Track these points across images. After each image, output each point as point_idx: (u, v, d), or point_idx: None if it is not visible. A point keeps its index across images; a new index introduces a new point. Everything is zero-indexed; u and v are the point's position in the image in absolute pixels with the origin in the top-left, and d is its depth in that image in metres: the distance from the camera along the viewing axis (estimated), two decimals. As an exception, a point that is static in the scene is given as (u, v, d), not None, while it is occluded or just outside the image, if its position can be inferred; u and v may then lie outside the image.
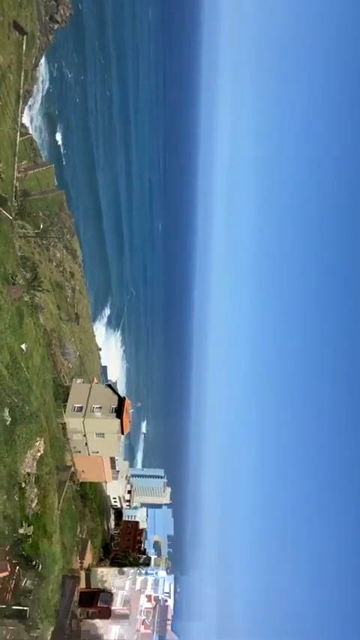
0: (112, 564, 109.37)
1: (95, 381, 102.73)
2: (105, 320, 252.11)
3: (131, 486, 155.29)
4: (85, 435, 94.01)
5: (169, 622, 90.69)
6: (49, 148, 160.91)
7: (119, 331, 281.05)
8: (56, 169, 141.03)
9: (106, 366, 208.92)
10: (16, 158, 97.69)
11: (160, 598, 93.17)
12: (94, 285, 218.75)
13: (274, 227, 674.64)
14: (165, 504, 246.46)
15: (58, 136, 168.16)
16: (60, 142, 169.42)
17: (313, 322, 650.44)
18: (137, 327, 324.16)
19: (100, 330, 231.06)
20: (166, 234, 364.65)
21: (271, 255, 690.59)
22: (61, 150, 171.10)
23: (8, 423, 66.52)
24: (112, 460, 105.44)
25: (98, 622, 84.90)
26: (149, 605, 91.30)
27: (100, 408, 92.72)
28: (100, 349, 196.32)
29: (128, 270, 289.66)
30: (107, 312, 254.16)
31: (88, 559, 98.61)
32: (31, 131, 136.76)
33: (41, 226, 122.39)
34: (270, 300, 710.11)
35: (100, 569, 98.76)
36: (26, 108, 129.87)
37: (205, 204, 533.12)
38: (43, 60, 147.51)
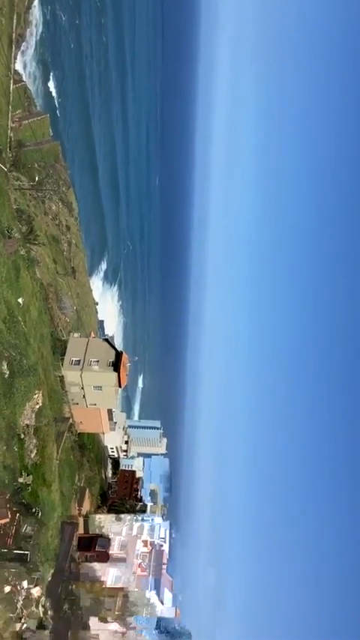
0: (110, 511, 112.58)
1: (92, 335, 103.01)
2: (101, 274, 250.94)
3: (128, 437, 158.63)
4: (82, 388, 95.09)
5: (164, 565, 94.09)
6: (43, 96, 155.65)
7: (116, 286, 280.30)
8: (51, 119, 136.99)
9: (103, 321, 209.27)
10: (10, 107, 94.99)
11: (155, 543, 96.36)
12: (90, 238, 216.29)
13: (275, 177, 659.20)
14: (161, 454, 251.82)
15: (52, 84, 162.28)
16: (54, 91, 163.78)
17: (315, 269, 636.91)
18: (134, 281, 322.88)
19: (96, 284, 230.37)
20: (164, 188, 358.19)
21: (272, 205, 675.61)
22: (55, 99, 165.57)
23: (7, 376, 67.14)
24: (110, 412, 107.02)
25: (96, 565, 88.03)
26: (145, 549, 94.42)
27: (98, 361, 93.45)
28: (97, 304, 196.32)
29: (125, 224, 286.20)
30: (104, 266, 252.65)
31: (87, 506, 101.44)
32: (24, 78, 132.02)
33: (37, 178, 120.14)
34: (270, 252, 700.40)
35: (97, 516, 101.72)
36: (19, 53, 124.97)
37: (203, 155, 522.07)
38: (36, 2, 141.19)
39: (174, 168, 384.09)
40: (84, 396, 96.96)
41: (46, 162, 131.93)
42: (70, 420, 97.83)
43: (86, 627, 78.85)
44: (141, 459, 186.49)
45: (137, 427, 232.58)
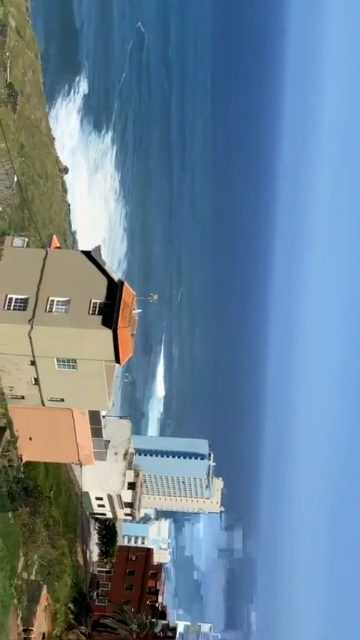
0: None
1: (54, 243, 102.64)
2: (76, 103, 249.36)
3: (137, 475, 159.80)
4: (34, 363, 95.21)
5: None
6: None
7: (109, 132, 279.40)
8: None
9: (70, 205, 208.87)
10: None
11: None
12: (51, 23, 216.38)
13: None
14: (211, 512, 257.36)
15: None
16: None
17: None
18: (151, 125, 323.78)
19: (64, 126, 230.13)
20: None
21: None
22: None
23: None
24: (96, 417, 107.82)
25: None
26: None
27: (68, 302, 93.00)
28: (66, 172, 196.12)
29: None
30: (82, 86, 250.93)
31: (43, 626, 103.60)
32: None
33: None
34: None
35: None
36: None
37: None
38: None
39: None
40: (36, 382, 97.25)
41: None
42: (6, 435, 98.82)
43: None
44: (165, 522, 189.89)
45: (158, 454, 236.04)
